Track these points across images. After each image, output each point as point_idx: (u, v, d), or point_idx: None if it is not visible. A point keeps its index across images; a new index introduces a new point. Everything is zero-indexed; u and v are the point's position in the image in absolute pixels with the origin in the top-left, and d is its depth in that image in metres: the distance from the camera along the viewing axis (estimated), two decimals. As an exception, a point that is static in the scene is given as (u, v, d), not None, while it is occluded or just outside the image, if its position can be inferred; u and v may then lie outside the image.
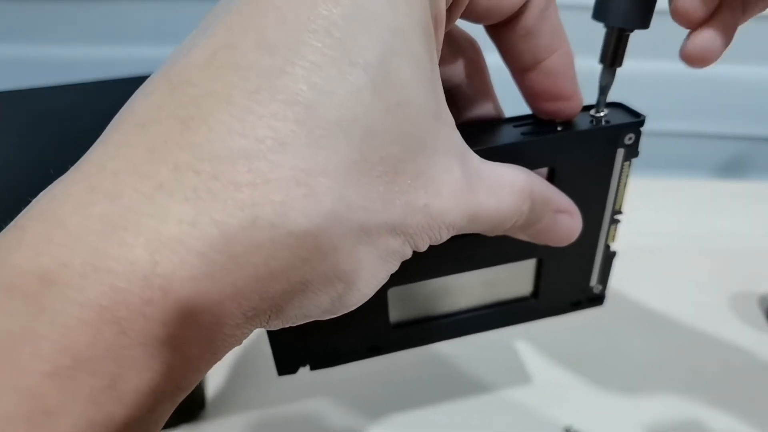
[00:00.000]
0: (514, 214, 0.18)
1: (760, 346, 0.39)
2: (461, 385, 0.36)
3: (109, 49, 0.54)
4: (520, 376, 0.37)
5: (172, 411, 0.14)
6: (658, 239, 0.47)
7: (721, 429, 0.34)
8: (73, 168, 0.14)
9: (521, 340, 0.39)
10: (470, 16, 0.18)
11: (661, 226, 0.48)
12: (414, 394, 0.36)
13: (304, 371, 0.24)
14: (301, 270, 0.14)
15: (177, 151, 0.13)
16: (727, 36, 0.20)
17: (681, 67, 0.21)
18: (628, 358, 0.38)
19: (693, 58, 0.20)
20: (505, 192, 0.18)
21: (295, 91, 0.13)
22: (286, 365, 0.24)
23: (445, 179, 0.16)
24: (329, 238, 0.14)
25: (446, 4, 0.16)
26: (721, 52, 0.20)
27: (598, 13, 0.20)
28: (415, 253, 0.17)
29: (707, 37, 0.19)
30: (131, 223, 0.12)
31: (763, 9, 0.20)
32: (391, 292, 0.20)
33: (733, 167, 0.62)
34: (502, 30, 0.19)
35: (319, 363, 0.24)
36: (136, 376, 0.13)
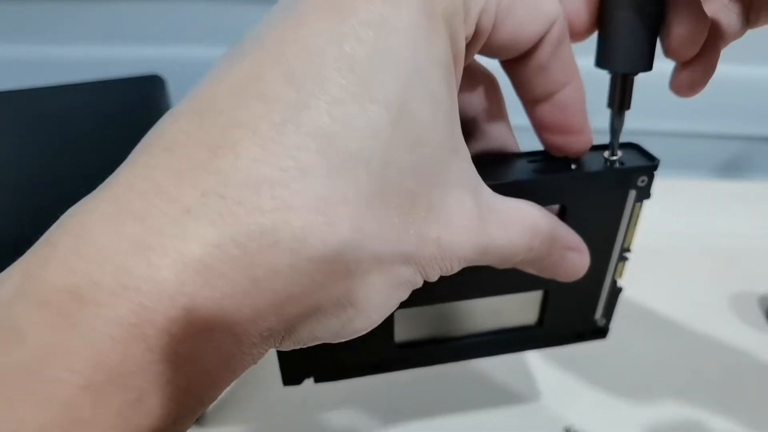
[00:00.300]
0: (523, 250, 0.19)
1: (760, 346, 0.39)
2: (461, 385, 0.36)
3: (109, 49, 0.54)
4: (520, 376, 0.37)
5: (192, 423, 0.15)
6: (657, 239, 0.47)
7: (721, 429, 0.34)
8: (102, 186, 0.14)
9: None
10: (487, 51, 0.18)
11: (661, 226, 0.48)
12: (414, 394, 0.36)
13: (308, 382, 0.24)
14: (316, 294, 0.14)
15: (205, 176, 0.13)
16: (713, 65, 0.21)
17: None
18: (628, 358, 0.38)
19: (683, 90, 0.20)
20: (516, 227, 0.18)
21: (318, 124, 0.14)
22: (291, 376, 0.24)
23: (458, 213, 0.16)
24: (344, 265, 0.14)
25: (465, 41, 0.16)
26: (708, 81, 0.20)
27: (601, 61, 0.20)
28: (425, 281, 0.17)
29: (692, 72, 0.20)
30: (158, 244, 0.13)
31: (739, 36, 0.21)
32: (398, 313, 0.20)
33: (733, 167, 0.62)
34: (516, 64, 0.19)
35: (323, 376, 0.24)
36: (162, 390, 0.13)
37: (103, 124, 0.35)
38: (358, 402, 0.35)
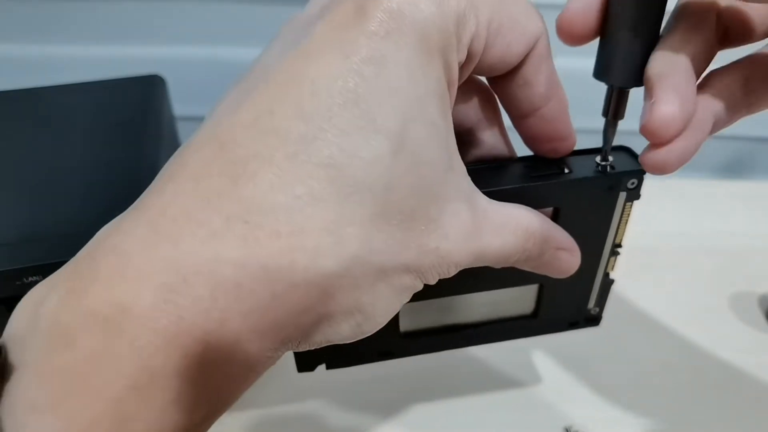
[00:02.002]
0: (517, 251, 0.20)
1: (760, 346, 0.39)
2: (461, 384, 0.36)
3: (109, 49, 0.54)
4: (520, 375, 0.37)
5: (216, 420, 0.17)
6: (658, 239, 0.47)
7: (721, 429, 0.34)
8: (133, 207, 0.16)
9: (522, 340, 0.39)
10: (478, 71, 0.20)
11: (661, 226, 0.48)
12: (414, 392, 0.36)
13: (320, 369, 0.26)
14: (327, 304, 0.16)
15: (228, 204, 0.15)
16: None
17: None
18: (628, 358, 0.38)
19: (669, 168, 0.20)
20: (509, 232, 0.20)
21: (327, 154, 0.15)
22: (305, 363, 0.26)
23: (454, 224, 0.18)
24: (353, 278, 0.16)
25: (458, 66, 0.18)
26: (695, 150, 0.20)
27: (599, 73, 0.21)
28: None
29: (686, 144, 0.20)
30: (192, 265, 0.15)
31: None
32: (403, 307, 0.21)
33: (733, 167, 0.62)
34: (503, 81, 0.21)
35: (334, 363, 0.26)
36: (196, 391, 0.15)
37: (103, 124, 0.35)
38: (358, 397, 0.35)
